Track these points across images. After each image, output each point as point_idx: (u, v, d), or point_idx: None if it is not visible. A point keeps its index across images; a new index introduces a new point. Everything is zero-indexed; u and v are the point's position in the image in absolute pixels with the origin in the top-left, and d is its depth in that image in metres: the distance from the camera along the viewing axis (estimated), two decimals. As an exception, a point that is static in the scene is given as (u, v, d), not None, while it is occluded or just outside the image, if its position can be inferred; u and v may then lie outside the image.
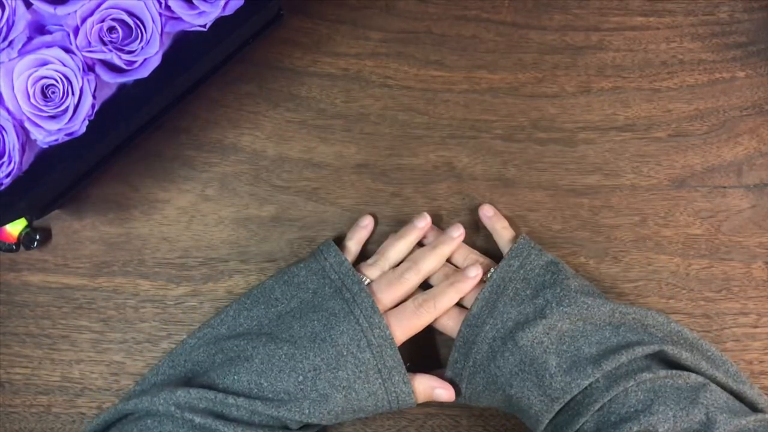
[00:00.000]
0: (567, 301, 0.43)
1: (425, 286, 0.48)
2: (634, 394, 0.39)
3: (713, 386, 0.40)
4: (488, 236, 0.50)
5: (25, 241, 0.49)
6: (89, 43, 0.39)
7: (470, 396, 0.45)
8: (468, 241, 0.49)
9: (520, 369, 0.42)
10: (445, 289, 0.46)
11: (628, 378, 0.40)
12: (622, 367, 0.41)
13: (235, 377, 0.42)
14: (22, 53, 0.38)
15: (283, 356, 0.42)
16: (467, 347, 0.44)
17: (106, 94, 0.41)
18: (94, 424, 0.42)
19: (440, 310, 0.45)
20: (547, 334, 0.42)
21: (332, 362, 0.42)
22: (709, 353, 0.43)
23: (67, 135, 0.40)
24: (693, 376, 0.41)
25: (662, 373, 0.40)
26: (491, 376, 0.43)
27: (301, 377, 0.41)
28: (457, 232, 0.48)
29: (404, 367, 0.43)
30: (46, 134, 0.39)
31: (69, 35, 0.39)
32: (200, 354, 0.44)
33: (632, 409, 0.39)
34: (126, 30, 0.39)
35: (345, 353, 0.42)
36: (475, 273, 0.46)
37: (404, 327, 0.44)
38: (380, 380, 0.42)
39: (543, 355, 0.41)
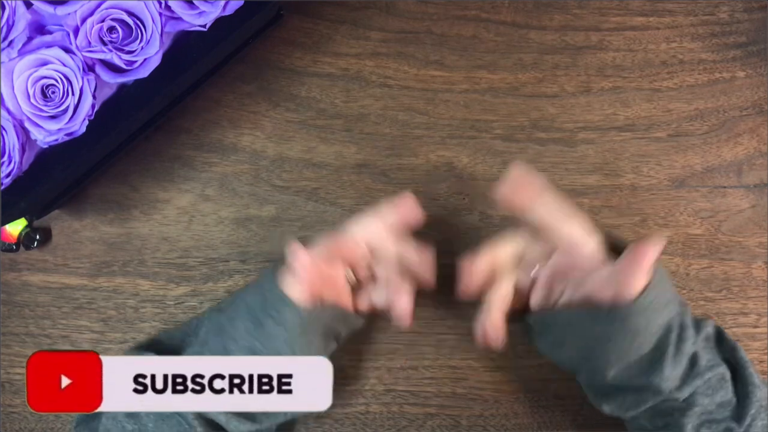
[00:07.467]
0: None
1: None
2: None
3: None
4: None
5: (25, 241, 0.49)
6: (89, 43, 0.39)
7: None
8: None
9: None
10: None
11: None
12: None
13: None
14: (22, 53, 0.38)
15: None
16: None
17: (106, 94, 0.41)
18: None
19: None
20: None
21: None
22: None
23: (67, 135, 0.40)
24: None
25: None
26: None
27: None
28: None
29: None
30: (46, 134, 0.39)
31: (69, 35, 0.39)
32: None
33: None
34: (126, 30, 0.39)
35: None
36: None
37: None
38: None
39: None
